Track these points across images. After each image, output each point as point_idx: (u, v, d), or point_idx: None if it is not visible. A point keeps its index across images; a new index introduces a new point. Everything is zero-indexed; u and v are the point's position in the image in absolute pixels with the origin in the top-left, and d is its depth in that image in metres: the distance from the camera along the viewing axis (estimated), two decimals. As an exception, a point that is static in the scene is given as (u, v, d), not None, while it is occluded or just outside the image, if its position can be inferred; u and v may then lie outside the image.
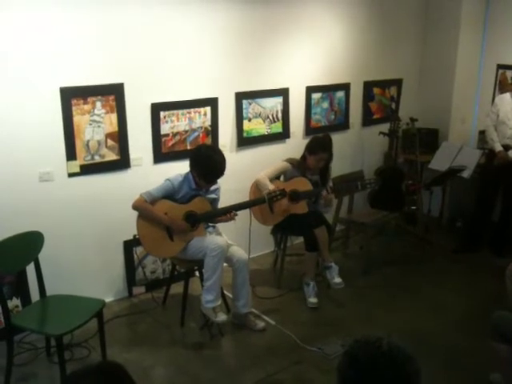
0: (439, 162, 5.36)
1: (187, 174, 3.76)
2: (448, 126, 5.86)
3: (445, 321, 3.93)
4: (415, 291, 4.40)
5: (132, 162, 4.07)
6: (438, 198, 5.89)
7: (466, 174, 5.10)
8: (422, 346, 3.36)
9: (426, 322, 3.91)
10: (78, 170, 3.80)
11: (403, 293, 4.38)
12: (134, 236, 3.83)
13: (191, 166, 3.73)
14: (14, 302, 3.66)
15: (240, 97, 4.59)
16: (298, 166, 4.32)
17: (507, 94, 4.99)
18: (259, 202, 4.06)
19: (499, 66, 5.66)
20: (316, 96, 5.18)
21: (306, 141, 4.45)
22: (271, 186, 4.11)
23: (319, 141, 4.35)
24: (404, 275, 4.71)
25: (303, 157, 4.36)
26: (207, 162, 3.65)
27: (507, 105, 4.92)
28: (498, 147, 4.89)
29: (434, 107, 5.93)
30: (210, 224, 3.92)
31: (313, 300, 4.15)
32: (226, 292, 4.03)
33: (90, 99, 3.75)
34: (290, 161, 4.34)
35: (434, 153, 5.47)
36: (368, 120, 5.74)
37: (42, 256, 3.31)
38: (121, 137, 3.96)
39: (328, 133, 4.59)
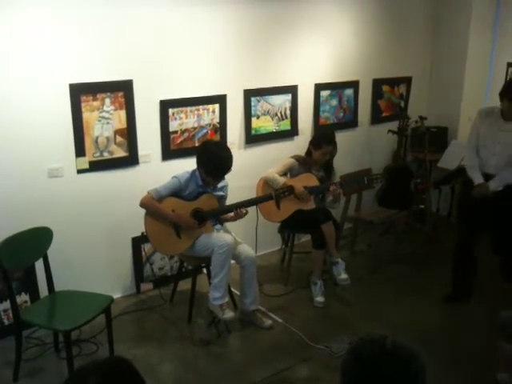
0: (448, 161, 5.33)
1: (194, 171, 3.76)
2: (457, 125, 5.81)
3: (452, 320, 3.92)
4: (422, 290, 4.39)
5: (140, 159, 4.08)
6: (446, 197, 5.87)
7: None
8: (428, 345, 3.34)
9: (433, 320, 3.90)
10: (86, 166, 3.82)
11: (411, 291, 4.36)
12: (142, 233, 3.84)
13: (198, 162, 3.73)
14: (23, 298, 3.68)
15: (248, 94, 4.59)
16: (304, 162, 4.33)
17: (495, 110, 3.86)
18: (266, 198, 4.05)
19: (509, 65, 5.60)
20: (325, 93, 5.16)
21: (315, 139, 4.45)
22: (282, 180, 4.13)
23: (323, 134, 4.38)
24: (411, 274, 4.69)
25: (308, 152, 4.37)
26: (213, 159, 3.64)
27: (493, 125, 3.82)
28: (479, 179, 3.89)
29: (443, 105, 5.90)
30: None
31: (320, 299, 4.15)
32: (233, 289, 4.04)
33: (99, 96, 3.77)
34: (296, 157, 4.35)
35: (443, 151, 5.45)
36: (377, 118, 5.72)
37: (50, 252, 3.33)
38: (129, 133, 3.98)
39: (330, 126, 4.59)
